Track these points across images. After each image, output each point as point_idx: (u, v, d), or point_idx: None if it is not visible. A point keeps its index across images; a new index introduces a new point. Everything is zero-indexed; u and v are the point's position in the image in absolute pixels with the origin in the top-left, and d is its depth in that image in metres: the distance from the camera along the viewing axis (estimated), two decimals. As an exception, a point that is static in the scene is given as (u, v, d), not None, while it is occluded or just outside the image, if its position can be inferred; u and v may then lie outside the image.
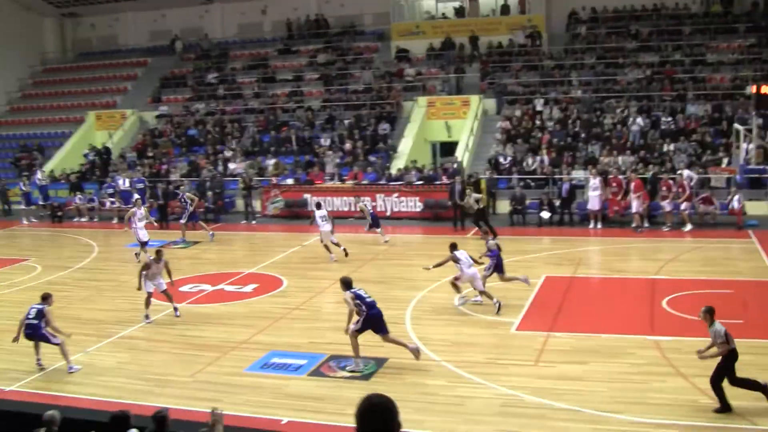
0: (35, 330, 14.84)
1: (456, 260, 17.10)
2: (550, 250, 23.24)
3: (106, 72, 44.30)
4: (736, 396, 11.29)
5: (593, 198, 26.13)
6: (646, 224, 25.79)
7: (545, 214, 26.87)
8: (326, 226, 22.66)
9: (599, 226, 26.06)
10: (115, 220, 31.50)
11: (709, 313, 11.44)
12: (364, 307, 13.86)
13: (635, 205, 25.53)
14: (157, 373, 14.30)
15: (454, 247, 17.39)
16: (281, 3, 42.22)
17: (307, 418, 11.85)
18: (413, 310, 17.38)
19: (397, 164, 31.22)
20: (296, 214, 29.72)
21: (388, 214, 28.49)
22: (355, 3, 41.18)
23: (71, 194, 33.51)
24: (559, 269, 20.60)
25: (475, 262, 17.42)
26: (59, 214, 32.77)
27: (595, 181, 26.11)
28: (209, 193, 31.13)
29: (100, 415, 9.83)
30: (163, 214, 29.80)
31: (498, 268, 17.75)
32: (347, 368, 14.02)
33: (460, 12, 39.39)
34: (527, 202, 27.57)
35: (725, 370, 11.21)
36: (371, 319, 13.90)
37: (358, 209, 26.24)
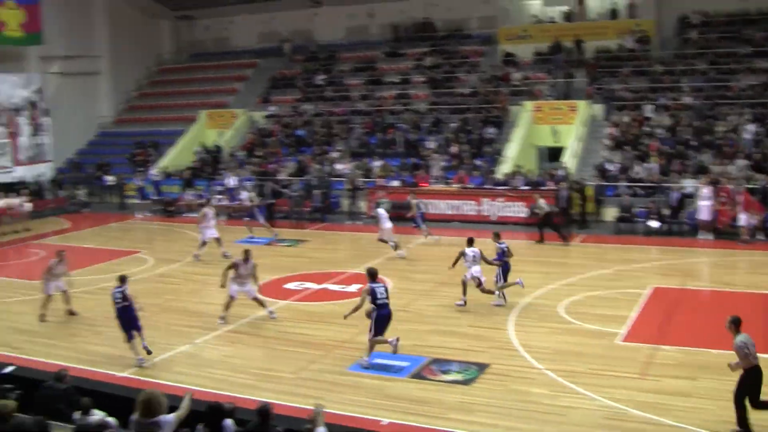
0: (128, 312, 15.22)
1: (463, 255, 17.72)
2: (658, 261, 22.60)
3: (218, 73, 45.31)
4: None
5: (703, 208, 25.30)
6: (760, 236, 24.80)
7: (653, 224, 26.16)
8: (387, 224, 23.61)
9: (710, 236, 25.23)
10: (223, 217, 32.18)
11: (734, 324, 10.80)
12: (373, 304, 14.22)
13: (743, 218, 24.64)
14: (261, 368, 14.51)
15: (468, 242, 18.01)
16: (388, 6, 42.37)
17: (408, 421, 11.81)
18: (517, 316, 17.17)
19: (503, 169, 30.91)
20: (401, 216, 29.67)
21: (493, 218, 28.20)
22: (462, 6, 41.01)
23: (183, 190, 34.37)
24: (668, 280, 20.00)
25: (485, 261, 17.78)
26: (171, 209, 33.68)
27: (705, 191, 25.30)
28: (316, 193, 31.46)
29: (200, 404, 10.00)
30: (270, 213, 30.25)
31: (504, 273, 17.99)
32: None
33: (568, 16, 38.78)
34: (635, 210, 26.93)
35: (746, 388, 10.55)
36: (381, 319, 14.28)
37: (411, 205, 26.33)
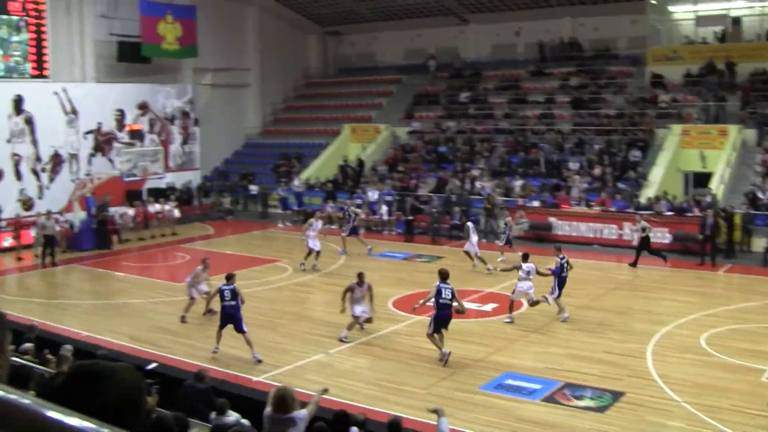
0: (235, 312, 16.20)
1: (518, 269, 18.62)
2: (811, 295, 21.49)
3: (363, 87, 46.06)
4: None
5: None
6: None
7: (806, 256, 24.91)
8: (474, 238, 24.48)
9: None
10: (362, 230, 32.62)
11: None
12: (436, 303, 15.31)
13: None
14: (392, 381, 14.62)
15: (524, 257, 18.87)
16: (535, 25, 42.03)
17: (538, 444, 11.68)
18: (655, 345, 16.67)
19: (647, 193, 30.09)
20: (541, 237, 29.37)
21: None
22: (610, 26, 40.23)
23: (324, 202, 35.05)
24: (821, 317, 19.00)
25: (539, 273, 18.54)
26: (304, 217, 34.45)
27: None
28: (455, 210, 31.49)
29: (328, 413, 10.17)
30: (409, 227, 30.46)
31: (559, 285, 18.69)
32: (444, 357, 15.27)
33: (721, 37, 37.44)
34: (787, 241, 25.70)
35: None
36: (439, 318, 15.39)
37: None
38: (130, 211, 32.64)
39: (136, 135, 37.02)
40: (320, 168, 39.70)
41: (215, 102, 43.35)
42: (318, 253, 25.11)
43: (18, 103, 32.35)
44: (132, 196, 34.36)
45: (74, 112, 34.39)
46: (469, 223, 25.55)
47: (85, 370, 1.91)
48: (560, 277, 18.81)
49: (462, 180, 34.13)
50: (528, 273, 18.54)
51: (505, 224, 26.73)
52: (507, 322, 18.56)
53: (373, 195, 33.66)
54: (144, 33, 36.63)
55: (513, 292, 18.82)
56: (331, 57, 50.72)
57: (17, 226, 29.01)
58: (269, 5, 45.59)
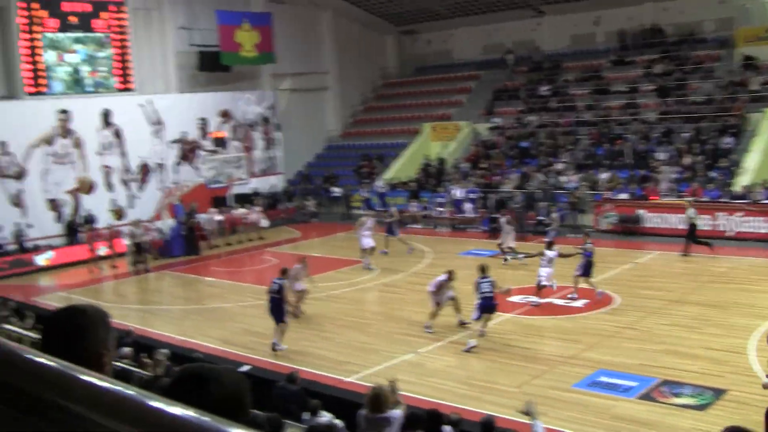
0: (277, 304, 17.35)
1: (541, 255, 20.14)
2: None
3: (442, 85, 45.96)
4: None
5: None
6: None
7: None
8: (512, 233, 25.00)
9: None
10: (445, 229, 32.56)
11: None
12: (478, 295, 16.80)
13: None
14: (483, 381, 14.52)
15: (548, 245, 20.25)
16: (614, 13, 41.18)
17: (637, 442, 11.43)
18: (759, 340, 16.09)
19: (742, 181, 29.20)
20: (630, 230, 28.81)
21: (730, 234, 26.67)
22: (695, 9, 39.17)
23: (407, 202, 35.07)
24: None
25: (562, 256, 20.07)
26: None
27: None
28: (540, 205, 31.16)
29: (420, 412, 10.14)
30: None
31: (586, 269, 19.87)
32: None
33: (818, 15, 36.13)
34: None
35: None
36: (482, 306, 16.81)
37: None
38: (218, 217, 33.21)
39: (220, 142, 37.68)
40: (402, 168, 39.75)
41: (295, 106, 43.80)
42: (372, 249, 25.73)
43: (106, 117, 33.31)
44: (218, 202, 34.99)
45: (159, 122, 35.19)
46: (503, 218, 26.53)
47: (191, 373, 1.96)
48: (588, 260, 19.98)
49: (546, 174, 33.74)
50: (550, 260, 19.93)
51: (551, 220, 26.94)
52: (533, 305, 19.73)
53: (457, 193, 33.52)
54: (222, 42, 37.25)
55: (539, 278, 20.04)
56: (407, 56, 50.73)
57: (111, 235, 29.83)
58: (343, 7, 45.84)
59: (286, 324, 17.44)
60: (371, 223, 26.32)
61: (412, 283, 23.03)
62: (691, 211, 25.07)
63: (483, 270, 17.11)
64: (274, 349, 17.10)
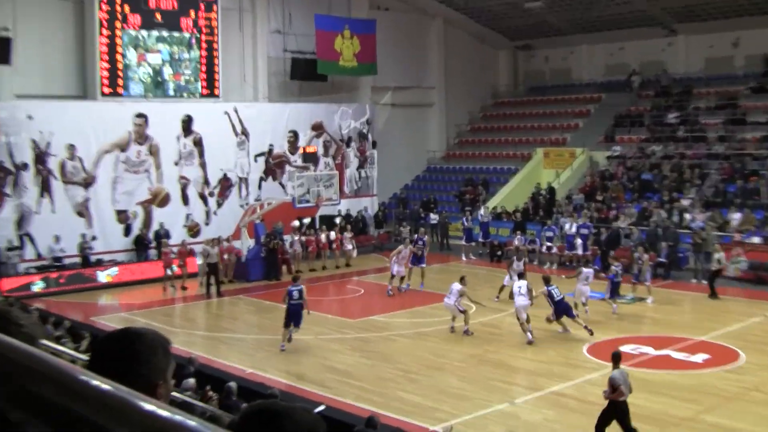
0: (299, 309, 20.46)
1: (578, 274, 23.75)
2: None
3: (558, 107, 45.55)
4: None
5: None
6: None
7: None
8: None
9: None
10: (553, 266, 32.05)
11: (613, 359, 14.14)
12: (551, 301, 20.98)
13: None
14: (586, 438, 14.12)
15: (545, 281, 21.56)
16: (757, 34, 39.75)
17: None
18: None
19: None
20: (762, 279, 27.85)
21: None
22: None
23: (513, 233, 34.67)
24: None
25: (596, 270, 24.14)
26: (499, 253, 34.10)
27: None
28: (662, 245, 30.40)
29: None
30: (605, 262, 29.61)
31: (613, 291, 23.75)
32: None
33: None
34: None
35: (605, 417, 13.59)
36: (558, 310, 21.00)
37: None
38: (302, 238, 33.48)
39: (310, 158, 37.93)
40: (509, 196, 39.44)
41: (395, 123, 44.01)
42: (402, 278, 27.97)
43: (187, 124, 33.98)
44: (305, 223, 35.22)
45: (245, 133, 35.75)
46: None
47: (263, 409, 1.98)
48: (614, 282, 23.89)
49: (669, 211, 32.93)
50: (587, 278, 23.25)
51: (640, 261, 26.62)
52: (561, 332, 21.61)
53: (568, 227, 32.96)
54: (319, 49, 37.67)
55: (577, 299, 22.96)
56: (522, 74, 50.49)
57: (183, 253, 30.13)
58: (455, 18, 45.92)
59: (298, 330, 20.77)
60: (406, 253, 28.22)
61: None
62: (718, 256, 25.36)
63: (547, 281, 21.38)
64: (286, 343, 20.63)
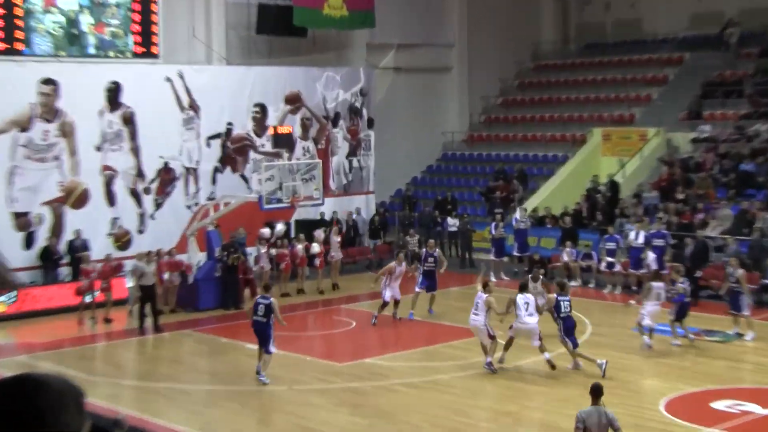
0: (264, 328, 21.37)
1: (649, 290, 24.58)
2: None
3: (623, 72, 45.38)
4: None
5: None
6: None
7: None
8: (529, 320, 22.33)
9: None
10: (616, 290, 31.68)
11: (592, 392, 14.41)
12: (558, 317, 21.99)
13: None
14: None
15: (655, 275, 24.38)
16: None
17: None
18: None
19: None
20: None
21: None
22: None
23: (561, 246, 34.25)
24: None
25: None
26: (542, 271, 33.60)
27: None
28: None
29: None
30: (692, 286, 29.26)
31: (681, 312, 24.44)
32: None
33: None
34: None
35: None
36: (568, 329, 21.92)
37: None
38: (271, 252, 33.07)
39: (283, 141, 37.52)
40: (555, 194, 39.20)
41: (399, 94, 43.76)
42: (396, 303, 28.12)
43: (114, 94, 33.50)
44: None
45: (194, 107, 35.41)
46: (519, 297, 23.11)
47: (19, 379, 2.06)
48: (683, 304, 24.42)
49: (780, 215, 32.64)
50: (658, 294, 24.21)
51: (734, 280, 26.44)
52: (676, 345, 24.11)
53: (633, 236, 32.52)
54: (296, -8, 37.45)
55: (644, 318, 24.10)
56: (573, 27, 50.24)
57: (107, 271, 29.65)
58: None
59: (272, 353, 21.55)
60: (401, 270, 28.36)
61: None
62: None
63: (563, 287, 22.94)
64: (258, 375, 21.52)
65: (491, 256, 35.14)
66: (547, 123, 44.81)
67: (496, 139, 45.63)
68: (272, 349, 21.38)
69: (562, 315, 21.78)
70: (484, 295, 22.13)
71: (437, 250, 30.77)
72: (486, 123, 47.26)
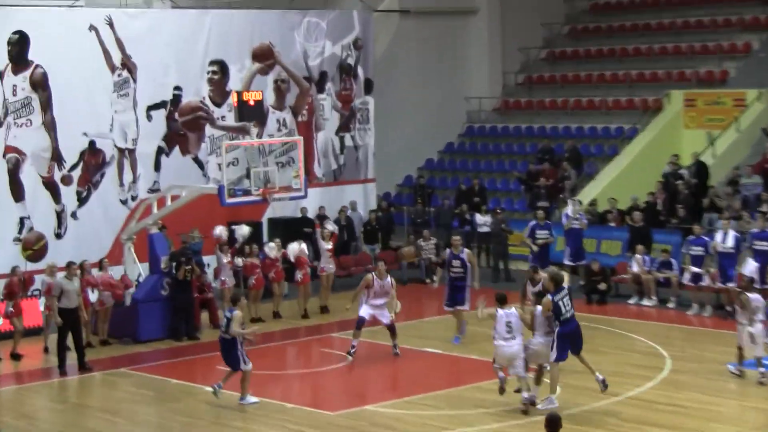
0: (229, 346, 23.27)
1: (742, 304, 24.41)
2: None
3: (712, 13, 45.42)
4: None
5: None
6: None
7: None
8: (505, 345, 22.93)
9: None
10: (704, 310, 31.66)
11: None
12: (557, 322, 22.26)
13: None
14: None
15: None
16: None
17: None
18: None
19: None
20: None
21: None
22: None
23: (629, 251, 34.18)
24: None
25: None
26: (601, 286, 33.59)
27: None
28: None
29: None
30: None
31: None
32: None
33: None
34: None
35: None
36: (566, 336, 22.19)
37: None
38: (236, 261, 33.04)
39: (250, 112, 37.36)
40: (620, 180, 39.39)
41: (407, 46, 43.94)
42: (392, 332, 28.06)
43: (20, 48, 33.49)
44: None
45: (128, 67, 35.45)
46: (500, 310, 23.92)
47: None
48: None
49: None
50: (756, 310, 24.13)
51: None
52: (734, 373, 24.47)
53: (722, 237, 32.48)
54: None
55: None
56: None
57: (12, 290, 29.56)
58: None
59: (248, 369, 23.31)
60: (382, 287, 28.06)
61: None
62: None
63: (558, 281, 22.75)
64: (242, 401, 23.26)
65: (532, 263, 35.16)
66: (609, 84, 44.93)
67: (540, 106, 45.83)
68: (245, 365, 23.21)
69: (562, 318, 22.07)
70: (516, 310, 22.67)
71: (465, 250, 30.15)
72: (525, 85, 47.41)
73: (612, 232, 36.32)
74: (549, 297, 22.26)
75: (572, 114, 44.27)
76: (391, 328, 27.93)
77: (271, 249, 33.38)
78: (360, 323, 27.64)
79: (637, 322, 30.35)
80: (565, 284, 22.83)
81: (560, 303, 21.98)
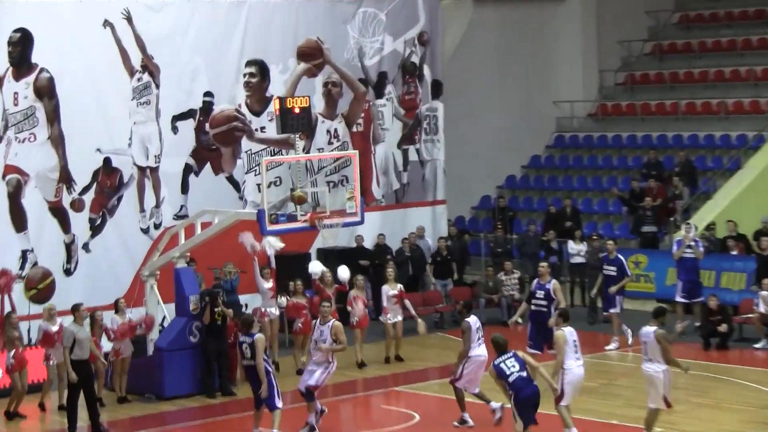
0: (256, 375, 23.97)
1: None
2: None
3: None
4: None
5: None
6: None
7: None
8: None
9: None
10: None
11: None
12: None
13: None
14: None
15: (466, 308, 26.16)
16: None
17: None
18: None
19: None
20: None
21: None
22: None
23: (756, 285, 34.05)
24: None
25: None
26: (721, 327, 33.45)
27: None
28: None
29: None
30: None
31: None
32: None
33: None
34: None
35: None
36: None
37: None
38: (281, 301, 33.07)
39: (295, 122, 37.52)
40: (743, 200, 39.33)
41: (483, 41, 43.97)
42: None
43: (22, 49, 33.80)
44: (285, 265, 34.73)
45: (149, 70, 35.71)
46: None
47: None
48: None
49: None
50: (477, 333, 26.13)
51: None
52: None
53: None
54: None
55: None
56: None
57: (10, 336, 29.41)
58: None
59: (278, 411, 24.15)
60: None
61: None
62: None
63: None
64: None
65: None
66: (729, 83, 44.95)
67: (644, 111, 45.82)
68: (278, 403, 23.92)
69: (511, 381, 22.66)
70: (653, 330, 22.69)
71: (553, 280, 30.32)
72: (626, 86, 47.47)
73: (734, 262, 36.28)
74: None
75: (684, 120, 44.28)
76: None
77: (344, 271, 33.37)
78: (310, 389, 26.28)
79: (766, 372, 30.07)
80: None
81: (502, 365, 22.60)
